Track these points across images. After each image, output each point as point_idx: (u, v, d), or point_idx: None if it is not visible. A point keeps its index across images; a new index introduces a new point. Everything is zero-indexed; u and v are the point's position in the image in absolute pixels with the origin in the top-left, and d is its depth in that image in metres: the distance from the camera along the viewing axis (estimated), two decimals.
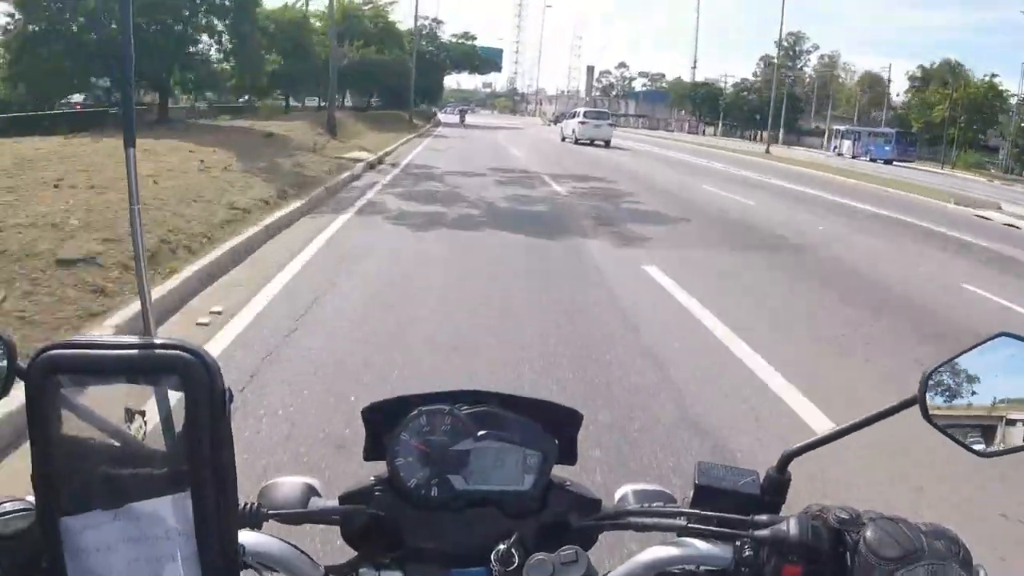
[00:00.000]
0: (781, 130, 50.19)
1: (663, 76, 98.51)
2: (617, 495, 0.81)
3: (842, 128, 49.60)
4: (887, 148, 41.84)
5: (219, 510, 0.56)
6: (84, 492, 0.55)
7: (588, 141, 29.36)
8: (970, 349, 0.69)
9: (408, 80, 36.84)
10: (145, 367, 0.56)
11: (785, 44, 70.43)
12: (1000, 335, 0.68)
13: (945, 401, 0.69)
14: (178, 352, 0.55)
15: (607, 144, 29.25)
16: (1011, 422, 0.68)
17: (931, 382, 0.68)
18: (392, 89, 38.23)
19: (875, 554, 0.62)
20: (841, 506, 0.68)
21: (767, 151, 36.18)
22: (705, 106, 72.99)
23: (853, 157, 41.70)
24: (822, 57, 73.66)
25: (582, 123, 30.41)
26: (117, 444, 0.57)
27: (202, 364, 0.55)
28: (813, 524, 0.67)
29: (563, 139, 31.77)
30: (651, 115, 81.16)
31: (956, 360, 0.69)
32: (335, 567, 0.75)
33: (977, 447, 0.69)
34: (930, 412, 0.68)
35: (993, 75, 50.97)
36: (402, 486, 0.74)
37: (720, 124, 67.75)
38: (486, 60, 61.88)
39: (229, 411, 0.57)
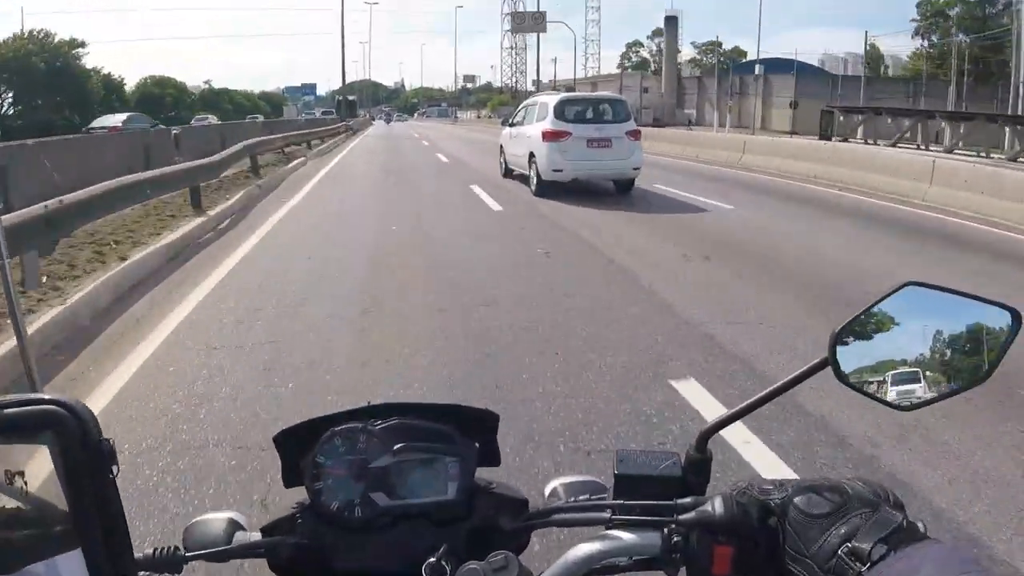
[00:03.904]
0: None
1: (720, 46, 63.67)
2: (547, 490, 0.80)
3: None
4: None
5: (114, 564, 0.56)
6: None
7: (569, 180, 11.14)
8: (877, 302, 0.66)
9: None
10: (18, 425, 0.54)
11: None
12: (906, 284, 0.66)
13: (857, 358, 0.67)
14: (50, 408, 0.54)
15: (627, 187, 11.69)
16: (925, 372, 0.66)
17: (840, 340, 0.66)
18: None
19: (806, 514, 0.61)
20: (763, 479, 0.67)
21: None
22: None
23: None
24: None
25: (553, 132, 11.08)
26: (4, 507, 0.55)
27: (75, 418, 0.54)
28: (738, 500, 0.65)
29: (507, 174, 13.75)
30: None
31: (864, 315, 0.67)
32: None
33: (895, 402, 0.67)
34: (842, 371, 0.66)
35: None
36: (324, 510, 0.73)
37: None
38: None
39: (113, 463, 0.56)
